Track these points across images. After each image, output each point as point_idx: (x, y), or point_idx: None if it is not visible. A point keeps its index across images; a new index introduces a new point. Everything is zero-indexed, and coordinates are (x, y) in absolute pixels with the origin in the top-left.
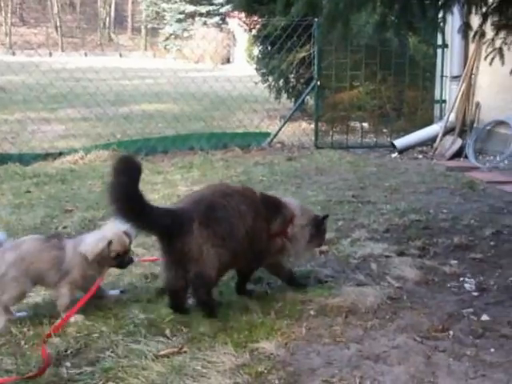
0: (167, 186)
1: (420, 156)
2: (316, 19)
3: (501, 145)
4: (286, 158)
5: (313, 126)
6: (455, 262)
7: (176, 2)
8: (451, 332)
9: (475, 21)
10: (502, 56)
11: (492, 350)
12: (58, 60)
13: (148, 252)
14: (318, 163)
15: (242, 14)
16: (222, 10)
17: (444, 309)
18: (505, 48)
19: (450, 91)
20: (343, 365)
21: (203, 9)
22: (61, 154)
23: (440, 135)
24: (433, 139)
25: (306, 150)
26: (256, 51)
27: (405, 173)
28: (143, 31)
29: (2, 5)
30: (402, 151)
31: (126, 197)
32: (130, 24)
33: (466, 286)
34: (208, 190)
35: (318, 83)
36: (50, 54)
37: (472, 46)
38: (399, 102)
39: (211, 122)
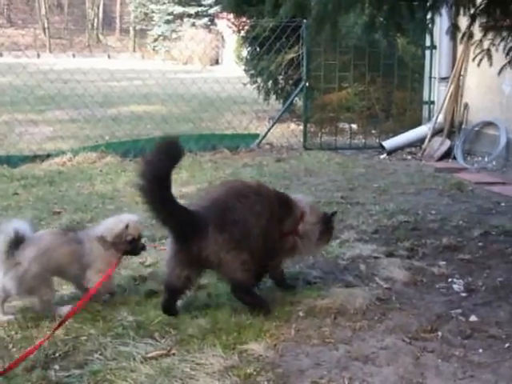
0: None
1: (409, 157)
2: (305, 20)
3: (489, 146)
4: (275, 160)
5: (301, 127)
6: (444, 262)
7: (164, 3)
8: (440, 333)
9: (463, 22)
10: (489, 57)
11: (480, 350)
12: (46, 61)
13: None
14: (307, 164)
15: (231, 16)
16: (211, 11)
17: (432, 310)
18: (493, 49)
19: (438, 92)
20: (332, 366)
21: (192, 10)
22: (49, 155)
23: (428, 136)
24: (421, 140)
25: (295, 152)
26: (245, 52)
27: (393, 174)
28: (131, 32)
29: None
30: (390, 152)
31: (157, 182)
32: (119, 25)
33: (455, 286)
34: (223, 189)
35: (307, 84)
36: (38, 56)
37: (460, 48)
38: (388, 103)
39: (200, 124)
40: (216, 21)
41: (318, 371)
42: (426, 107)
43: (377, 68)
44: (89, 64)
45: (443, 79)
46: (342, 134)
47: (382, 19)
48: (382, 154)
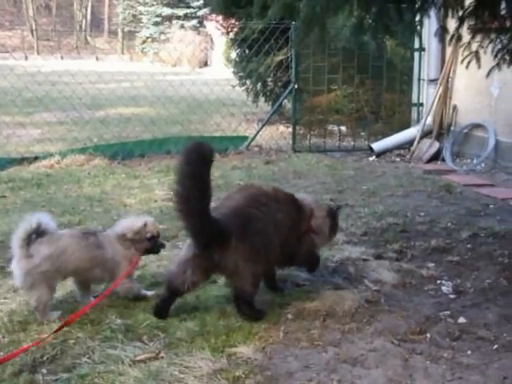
0: (144, 190)
1: (397, 159)
2: (293, 22)
3: (478, 148)
4: (264, 162)
5: (290, 129)
6: (432, 264)
7: (153, 5)
8: (428, 335)
9: (452, 24)
10: (478, 59)
11: (469, 352)
12: (34, 63)
13: None
14: (296, 167)
15: (220, 17)
16: (200, 12)
17: (421, 312)
18: (481, 51)
19: (427, 94)
20: (321, 368)
21: (180, 12)
22: (36, 158)
23: (417, 138)
24: (410, 142)
25: (284, 154)
26: (234, 54)
27: (382, 176)
28: (120, 34)
29: None
30: (379, 154)
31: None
32: (107, 27)
33: (443, 288)
34: (241, 196)
35: (296, 86)
36: (26, 58)
37: (449, 50)
38: (377, 105)
39: (188, 126)
40: (205, 23)
41: (306, 374)
42: (414, 109)
43: (366, 70)
44: (77, 66)
45: (432, 81)
46: (330, 136)
47: (370, 21)
48: (371, 156)
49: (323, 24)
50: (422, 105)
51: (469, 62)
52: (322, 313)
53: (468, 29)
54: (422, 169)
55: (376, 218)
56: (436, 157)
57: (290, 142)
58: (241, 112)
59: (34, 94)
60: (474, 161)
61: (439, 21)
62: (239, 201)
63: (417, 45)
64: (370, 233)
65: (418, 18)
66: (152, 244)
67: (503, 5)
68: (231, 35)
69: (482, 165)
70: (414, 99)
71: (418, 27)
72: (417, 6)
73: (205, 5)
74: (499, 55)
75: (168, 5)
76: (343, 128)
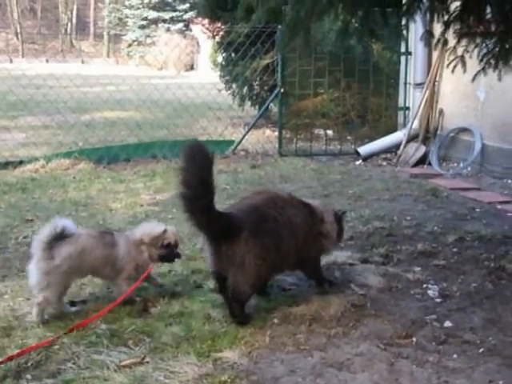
0: (129, 194)
1: (384, 163)
2: (279, 26)
3: (464, 152)
4: (250, 166)
5: (277, 133)
6: (419, 268)
7: (139, 8)
8: (414, 339)
9: (437, 29)
10: (463, 64)
11: (455, 356)
12: (19, 66)
13: None
14: (282, 171)
15: (206, 21)
16: (186, 16)
17: (407, 316)
18: (466, 56)
19: (413, 98)
20: (307, 373)
21: (166, 15)
22: (21, 162)
23: (404, 142)
24: (397, 146)
25: (270, 158)
26: (220, 58)
27: (369, 180)
28: (105, 37)
29: None
30: (366, 158)
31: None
32: (92, 30)
33: (430, 292)
34: (261, 197)
35: (282, 90)
36: (10, 61)
37: (435, 54)
38: (363, 109)
39: (174, 130)
40: (191, 26)
41: (292, 378)
42: (401, 113)
43: (352, 74)
44: (62, 69)
45: (418, 85)
46: (317, 140)
47: (356, 25)
48: (358, 160)
49: (308, 28)
50: (408, 109)
51: (454, 66)
52: (307, 317)
53: (454, 33)
54: (408, 173)
55: (362, 222)
56: (422, 161)
57: (277, 145)
58: (227, 116)
59: (19, 98)
60: (461, 165)
61: (425, 25)
62: (258, 200)
63: (403, 49)
64: (356, 237)
65: (403, 22)
66: (168, 252)
67: (488, 9)
68: (217, 39)
69: (469, 169)
70: (401, 103)
71: (404, 31)
72: (402, 10)
73: (191, 8)
74: (485, 59)
75: (154, 8)
76: (330, 132)
